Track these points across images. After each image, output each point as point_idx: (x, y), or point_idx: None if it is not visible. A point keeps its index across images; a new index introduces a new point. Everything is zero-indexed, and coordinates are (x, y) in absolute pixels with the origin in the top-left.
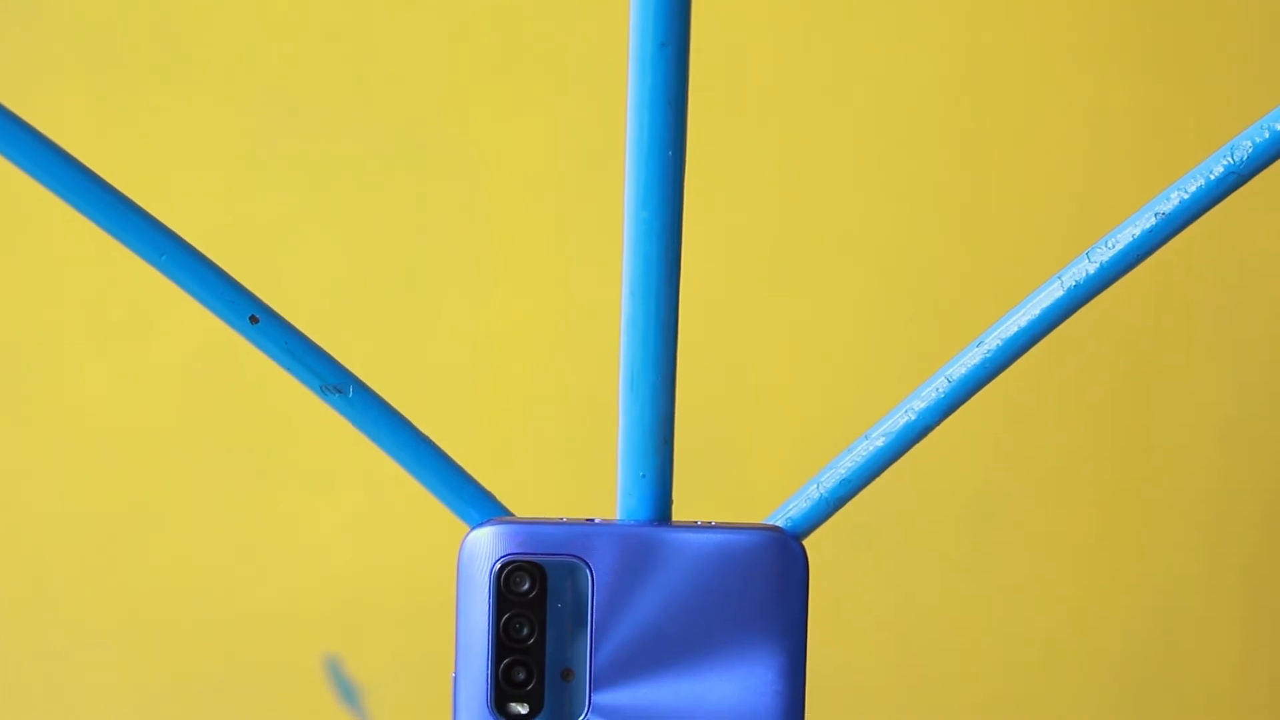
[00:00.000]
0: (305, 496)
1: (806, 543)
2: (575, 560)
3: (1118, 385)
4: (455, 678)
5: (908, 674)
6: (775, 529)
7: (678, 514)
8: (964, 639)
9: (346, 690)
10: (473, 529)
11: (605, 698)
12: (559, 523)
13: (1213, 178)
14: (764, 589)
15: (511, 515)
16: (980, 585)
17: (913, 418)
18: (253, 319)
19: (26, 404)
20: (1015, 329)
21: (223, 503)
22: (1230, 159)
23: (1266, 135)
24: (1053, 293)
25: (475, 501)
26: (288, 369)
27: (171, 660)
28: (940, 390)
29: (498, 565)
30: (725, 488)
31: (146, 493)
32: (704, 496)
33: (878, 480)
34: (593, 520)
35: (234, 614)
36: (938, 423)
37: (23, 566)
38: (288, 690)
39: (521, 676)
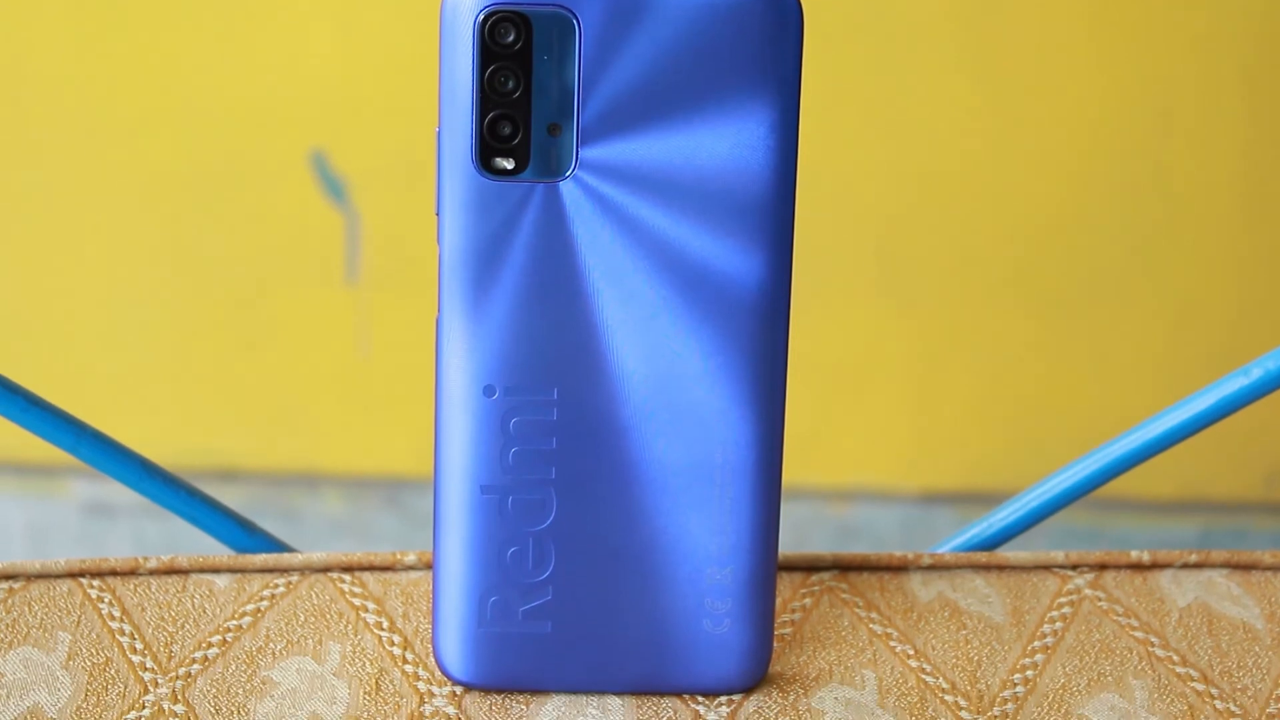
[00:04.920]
0: None
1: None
2: (562, 10)
3: None
4: (439, 133)
5: (892, 169)
6: None
7: None
8: (954, 141)
9: (332, 185)
10: None
11: (593, 153)
12: None
13: None
14: (756, 43)
15: None
16: (973, 87)
17: None
18: None
19: None
20: None
21: None
22: None
23: None
24: None
25: None
26: None
27: (153, 158)
28: None
29: (481, 16)
30: None
31: None
32: None
33: None
34: None
35: (215, 110)
36: None
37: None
38: (272, 187)
39: (507, 131)
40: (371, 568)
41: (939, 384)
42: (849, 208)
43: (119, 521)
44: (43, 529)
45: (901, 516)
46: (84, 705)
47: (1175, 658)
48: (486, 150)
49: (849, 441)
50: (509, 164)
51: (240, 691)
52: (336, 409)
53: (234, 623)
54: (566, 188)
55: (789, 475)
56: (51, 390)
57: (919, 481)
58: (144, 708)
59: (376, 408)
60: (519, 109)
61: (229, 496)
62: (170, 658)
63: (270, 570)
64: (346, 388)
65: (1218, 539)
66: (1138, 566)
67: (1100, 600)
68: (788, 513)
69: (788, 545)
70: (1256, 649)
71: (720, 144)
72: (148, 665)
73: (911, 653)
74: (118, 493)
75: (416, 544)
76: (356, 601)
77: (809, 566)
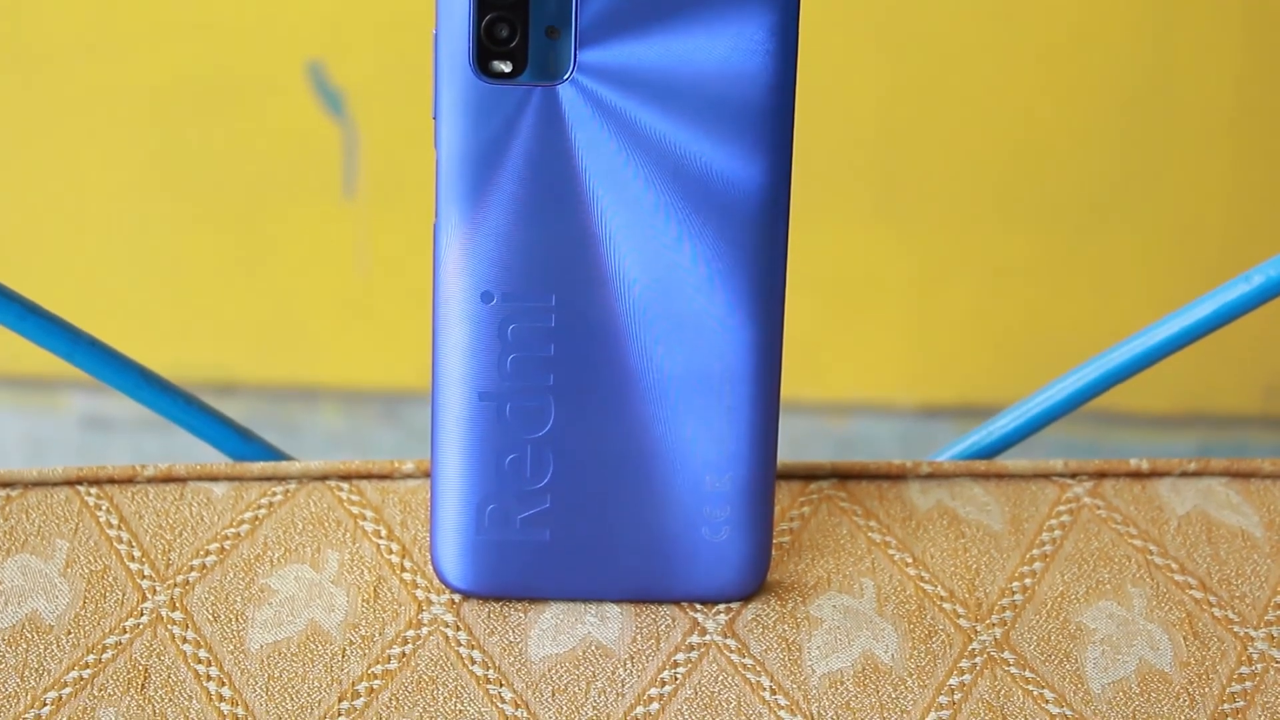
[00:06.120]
0: None
1: None
2: None
3: None
4: (436, 36)
5: (891, 84)
6: None
7: None
8: (953, 56)
9: (330, 98)
10: None
11: (591, 56)
12: None
13: None
14: None
15: None
16: (974, 3)
17: None
18: None
19: None
20: None
21: None
22: None
23: None
24: None
25: None
26: None
27: (150, 70)
28: None
29: None
30: None
31: None
32: None
33: None
34: None
35: (212, 23)
36: None
37: None
38: (269, 100)
39: (504, 33)
40: (369, 476)
41: (938, 298)
42: (848, 124)
43: (117, 435)
44: (41, 442)
45: (900, 431)
46: (82, 612)
47: (1174, 566)
48: (484, 53)
49: (848, 356)
50: (507, 67)
51: (239, 599)
52: (335, 322)
53: (232, 531)
54: (565, 91)
55: (788, 390)
56: (49, 306)
57: (917, 396)
58: (142, 615)
59: (375, 321)
60: (517, 11)
61: (227, 410)
62: (168, 565)
63: (268, 478)
64: (345, 301)
65: (1216, 453)
66: (1137, 475)
67: (1099, 508)
68: (787, 427)
69: (786, 459)
70: (1255, 557)
71: (719, 47)
72: (146, 573)
73: (910, 561)
74: (116, 406)
75: (414, 457)
76: (355, 510)
77: (808, 475)
